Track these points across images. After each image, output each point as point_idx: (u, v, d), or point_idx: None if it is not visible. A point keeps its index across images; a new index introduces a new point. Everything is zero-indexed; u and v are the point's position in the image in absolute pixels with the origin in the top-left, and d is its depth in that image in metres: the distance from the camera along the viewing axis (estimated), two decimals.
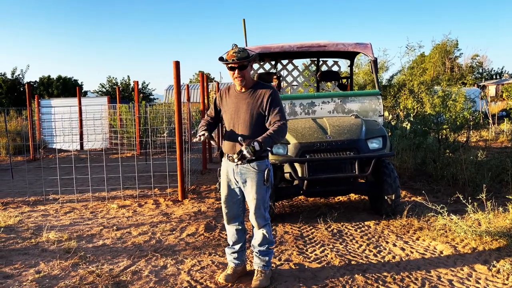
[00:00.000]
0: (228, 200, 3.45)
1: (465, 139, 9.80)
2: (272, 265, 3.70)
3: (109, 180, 7.55)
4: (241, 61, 3.17)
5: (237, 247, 3.52)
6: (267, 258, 3.45)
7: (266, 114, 3.28)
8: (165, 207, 6.04)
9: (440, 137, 8.27)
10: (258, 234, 3.42)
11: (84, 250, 4.29)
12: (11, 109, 16.21)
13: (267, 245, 3.42)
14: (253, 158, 3.15)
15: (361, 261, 3.86)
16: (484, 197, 4.58)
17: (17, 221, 5.39)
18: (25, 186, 7.64)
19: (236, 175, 3.34)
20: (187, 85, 14.09)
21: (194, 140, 3.41)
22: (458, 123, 8.23)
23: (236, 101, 3.35)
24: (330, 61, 7.55)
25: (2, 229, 4.93)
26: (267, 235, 3.40)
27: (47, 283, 3.52)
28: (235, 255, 3.53)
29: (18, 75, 30.41)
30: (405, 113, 10.91)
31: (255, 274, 3.44)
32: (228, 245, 3.59)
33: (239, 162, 3.17)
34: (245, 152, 3.08)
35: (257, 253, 3.45)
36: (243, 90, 3.34)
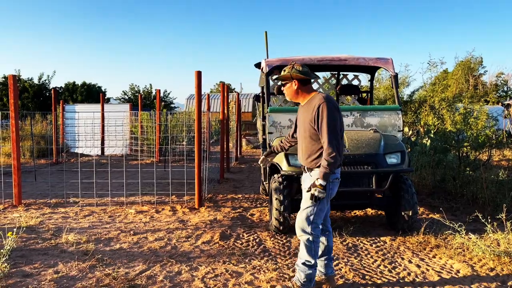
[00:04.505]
0: None
1: (486, 158, 9.62)
2: (286, 276, 3.71)
3: (128, 186, 7.68)
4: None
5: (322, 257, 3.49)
6: (297, 273, 3.33)
7: (315, 128, 3.20)
8: (182, 214, 6.11)
9: (460, 154, 8.14)
10: (300, 243, 3.36)
11: (102, 253, 4.38)
12: (36, 113, 16.64)
13: (301, 259, 3.30)
14: (324, 191, 3.12)
15: (375, 276, 3.83)
16: (504, 217, 4.50)
17: (38, 222, 5.54)
18: (47, 188, 7.84)
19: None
20: (208, 94, 14.28)
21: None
22: (479, 141, 8.08)
23: (299, 114, 3.48)
24: (350, 75, 7.56)
25: (23, 229, 5.07)
26: (304, 250, 3.28)
27: (64, 283, 3.61)
28: (321, 263, 3.49)
29: (45, 80, 31.29)
30: (425, 129, 10.77)
31: None
32: None
33: (321, 196, 3.15)
34: (316, 194, 3.13)
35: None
36: (302, 103, 3.43)
